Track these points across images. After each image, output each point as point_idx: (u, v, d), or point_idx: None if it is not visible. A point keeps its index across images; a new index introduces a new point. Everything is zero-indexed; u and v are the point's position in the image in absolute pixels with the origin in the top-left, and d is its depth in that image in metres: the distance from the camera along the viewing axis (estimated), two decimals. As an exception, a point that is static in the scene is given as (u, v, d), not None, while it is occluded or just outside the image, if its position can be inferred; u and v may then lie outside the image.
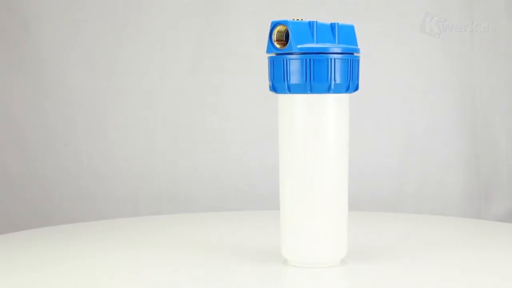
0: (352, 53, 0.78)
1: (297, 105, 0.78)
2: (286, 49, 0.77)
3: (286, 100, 0.79)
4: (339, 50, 0.78)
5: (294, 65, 0.77)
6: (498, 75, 1.41)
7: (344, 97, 0.79)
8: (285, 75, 0.78)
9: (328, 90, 0.78)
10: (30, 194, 1.43)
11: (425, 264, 0.83)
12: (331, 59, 0.77)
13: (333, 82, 0.77)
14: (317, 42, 0.78)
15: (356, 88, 0.80)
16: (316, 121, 0.78)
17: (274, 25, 0.78)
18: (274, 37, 0.78)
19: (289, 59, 0.77)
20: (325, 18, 1.41)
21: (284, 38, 0.78)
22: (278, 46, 0.78)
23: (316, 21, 0.78)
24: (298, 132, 0.79)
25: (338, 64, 0.78)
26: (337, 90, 0.78)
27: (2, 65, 1.42)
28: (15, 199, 1.43)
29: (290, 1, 1.39)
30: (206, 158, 1.42)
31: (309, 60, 0.77)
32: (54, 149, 1.43)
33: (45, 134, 1.43)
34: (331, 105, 0.78)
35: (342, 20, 1.44)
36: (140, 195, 1.43)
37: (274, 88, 0.79)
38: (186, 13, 1.41)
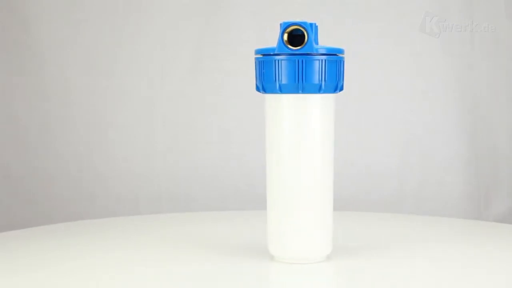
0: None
1: (286, 105, 0.79)
2: (303, 49, 0.78)
3: (274, 99, 0.80)
4: (342, 52, 0.80)
5: (310, 66, 0.78)
6: (498, 75, 1.41)
7: (330, 97, 0.80)
8: (298, 75, 0.78)
9: (334, 90, 0.79)
10: (30, 194, 1.43)
11: (410, 260, 0.84)
12: (339, 61, 0.79)
13: (339, 82, 0.79)
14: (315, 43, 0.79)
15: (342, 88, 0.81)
16: (301, 120, 0.79)
17: (287, 26, 0.78)
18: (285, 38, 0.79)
19: (305, 60, 0.78)
20: (325, 18, 1.42)
21: (288, 39, 0.78)
22: (291, 47, 0.78)
23: (315, 23, 0.79)
24: (283, 131, 0.80)
25: (341, 65, 0.80)
26: (333, 90, 0.80)
27: (2, 65, 1.42)
28: (15, 198, 1.43)
29: (290, 1, 1.39)
30: (206, 158, 1.42)
31: (324, 61, 0.78)
32: (54, 149, 1.43)
33: (45, 134, 1.43)
34: (317, 105, 0.79)
35: (342, 20, 1.45)
36: (140, 195, 1.43)
37: (279, 88, 0.79)
38: (186, 13, 1.41)
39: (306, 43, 0.77)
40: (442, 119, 1.42)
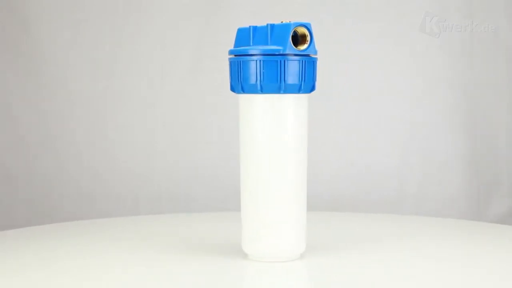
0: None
1: (259, 105, 0.80)
2: (307, 50, 0.78)
3: (247, 100, 0.81)
4: (315, 53, 0.81)
5: (284, 66, 0.78)
6: (498, 75, 1.41)
7: (304, 97, 0.81)
8: (301, 75, 0.79)
9: (308, 90, 0.80)
10: (30, 194, 1.43)
11: (385, 258, 0.85)
12: (312, 61, 0.80)
13: (313, 82, 0.80)
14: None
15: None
16: (275, 120, 0.80)
17: (293, 27, 0.78)
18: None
19: (279, 60, 0.78)
20: (325, 18, 1.41)
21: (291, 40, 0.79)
22: (297, 47, 0.78)
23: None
24: (257, 131, 0.80)
25: (314, 66, 0.81)
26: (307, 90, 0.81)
27: (2, 65, 1.42)
28: (15, 198, 1.43)
29: (290, 1, 1.39)
30: (206, 158, 1.42)
31: (297, 61, 0.79)
32: (54, 149, 1.43)
33: (45, 134, 1.43)
34: (290, 105, 0.80)
35: (342, 20, 1.45)
36: (140, 195, 1.43)
37: (253, 89, 0.79)
38: (186, 13, 1.41)
39: (309, 44, 0.78)
40: (442, 119, 1.42)
